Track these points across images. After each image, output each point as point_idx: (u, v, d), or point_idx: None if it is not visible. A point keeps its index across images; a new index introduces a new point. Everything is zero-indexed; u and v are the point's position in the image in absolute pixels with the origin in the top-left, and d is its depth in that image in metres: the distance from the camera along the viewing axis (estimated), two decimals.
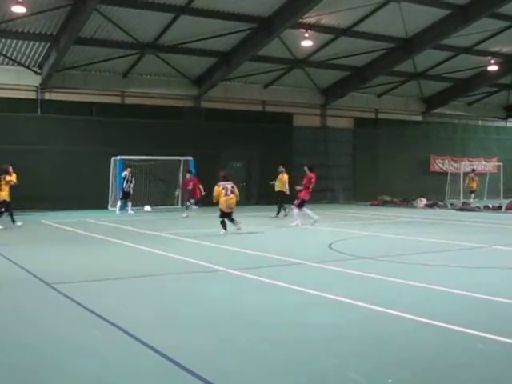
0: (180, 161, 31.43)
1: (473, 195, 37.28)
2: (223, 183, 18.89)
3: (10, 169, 20.94)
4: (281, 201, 25.72)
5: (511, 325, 7.47)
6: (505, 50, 34.64)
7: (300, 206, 21.34)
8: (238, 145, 33.30)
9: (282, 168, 26.59)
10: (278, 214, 25.32)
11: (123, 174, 28.20)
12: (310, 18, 27.85)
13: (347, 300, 8.72)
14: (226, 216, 18.79)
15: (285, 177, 26.20)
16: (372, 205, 34.23)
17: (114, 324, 7.48)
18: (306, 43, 29.42)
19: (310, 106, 37.58)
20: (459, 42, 32.36)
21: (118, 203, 28.23)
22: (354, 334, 7.17)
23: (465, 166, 40.33)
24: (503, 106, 45.14)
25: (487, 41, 32.81)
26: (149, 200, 30.24)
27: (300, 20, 27.62)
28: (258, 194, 34.63)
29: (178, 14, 26.35)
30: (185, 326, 7.55)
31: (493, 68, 35.39)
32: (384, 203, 34.60)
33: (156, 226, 21.06)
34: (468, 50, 33.91)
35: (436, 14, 28.97)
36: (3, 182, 20.50)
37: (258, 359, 6.20)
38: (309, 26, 28.68)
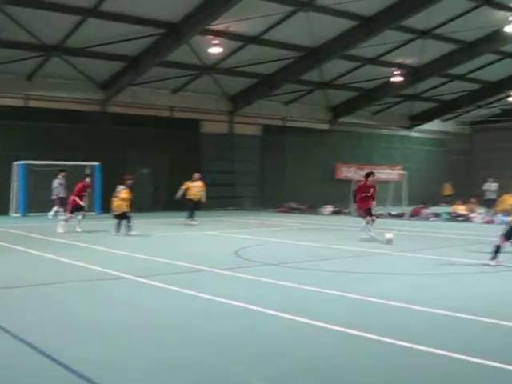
0: (85, 166, 30.88)
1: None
2: (120, 187, 19.27)
3: None
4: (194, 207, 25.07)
5: (408, 329, 7.62)
6: (408, 61, 35.58)
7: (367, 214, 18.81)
8: (145, 150, 32.99)
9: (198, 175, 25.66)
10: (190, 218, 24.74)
11: (59, 181, 27.60)
12: (219, 24, 27.87)
13: (251, 306, 8.73)
14: (118, 218, 19.68)
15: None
16: (279, 212, 34.49)
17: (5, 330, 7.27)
18: (215, 50, 29.43)
19: (218, 113, 37.59)
20: (365, 53, 33.04)
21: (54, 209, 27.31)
22: (256, 340, 7.17)
23: None
24: (407, 116, 46.33)
25: (392, 52, 33.68)
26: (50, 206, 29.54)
27: (209, 27, 27.63)
28: (166, 200, 34.37)
29: (85, 16, 25.89)
30: (86, 333, 7.39)
31: (397, 79, 36.27)
32: (291, 210, 34.94)
33: (61, 233, 20.56)
34: (373, 61, 34.68)
35: (343, 24, 29.52)
36: None
37: (159, 364, 6.12)
38: (218, 33, 28.71)
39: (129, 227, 19.57)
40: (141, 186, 34.13)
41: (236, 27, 28.72)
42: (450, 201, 34.67)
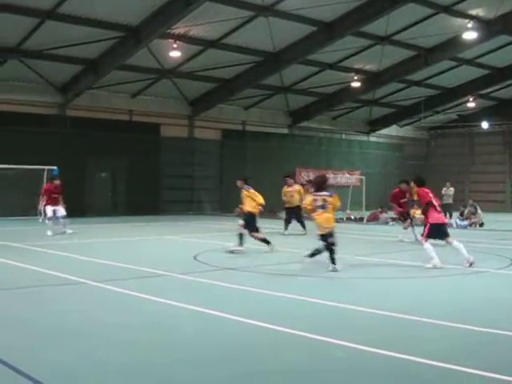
0: (43, 170, 30.58)
1: None
2: None
3: None
4: (290, 217, 23.71)
5: (366, 333, 7.70)
6: (367, 67, 35.90)
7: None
8: (104, 154, 32.83)
9: (290, 180, 24.81)
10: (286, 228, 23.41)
11: None
12: (179, 28, 27.85)
13: (207, 310, 8.75)
14: None
15: (300, 189, 24.06)
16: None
17: None
18: (175, 54, 29.39)
19: (178, 117, 37.52)
20: (324, 58, 33.26)
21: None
22: (211, 343, 7.20)
23: (329, 178, 41.28)
24: (366, 121, 46.72)
25: (351, 58, 33.93)
26: (8, 209, 29.19)
27: (169, 30, 27.59)
28: (125, 203, 34.23)
29: (43, 18, 25.64)
30: (42, 339, 7.34)
31: (356, 84, 36.55)
32: None
33: (15, 237, 20.34)
34: (333, 66, 34.92)
35: (303, 30, 29.67)
36: None
37: (112, 366, 6.12)
38: (177, 37, 28.66)
39: None
40: (100, 190, 34.06)
41: (196, 31, 28.71)
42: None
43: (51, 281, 11.58)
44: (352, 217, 31.83)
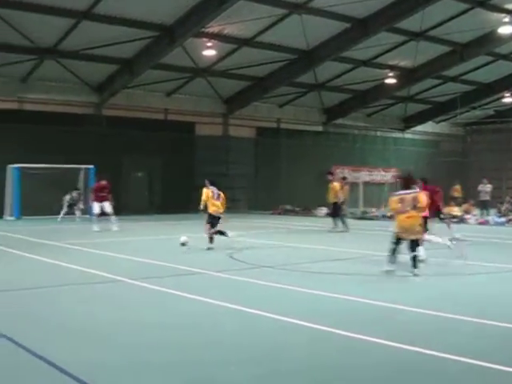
0: (80, 169, 30.92)
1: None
2: None
3: None
4: (335, 213, 23.58)
5: (406, 332, 7.66)
6: (402, 63, 35.63)
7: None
8: (140, 153, 33.01)
9: (330, 176, 24.78)
10: (335, 225, 23.25)
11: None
12: (213, 27, 27.90)
13: (244, 308, 8.76)
14: None
15: (336, 186, 23.95)
16: (273, 214, 34.52)
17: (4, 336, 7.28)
18: (209, 52, 29.48)
19: (213, 115, 37.62)
20: (358, 55, 33.10)
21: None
22: (250, 341, 7.21)
23: (364, 175, 41.20)
24: (401, 118, 46.39)
25: (385, 54, 33.70)
26: (47, 208, 29.52)
27: (203, 29, 27.65)
28: (160, 202, 34.43)
29: (79, 19, 25.89)
30: (83, 338, 7.41)
31: (391, 81, 36.31)
32: (285, 212, 34.98)
33: (55, 236, 20.58)
34: (367, 63, 34.73)
35: (336, 26, 29.56)
36: None
37: (151, 362, 6.15)
38: (212, 36, 28.74)
39: None
40: (136, 189, 34.26)
41: (230, 29, 28.75)
42: (460, 202, 34.34)
43: (88, 279, 11.68)
44: (388, 214, 31.54)
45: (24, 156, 28.94)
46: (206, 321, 8.25)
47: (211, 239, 16.87)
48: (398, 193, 12.30)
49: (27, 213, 28.93)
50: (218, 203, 17.30)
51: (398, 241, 11.95)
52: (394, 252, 11.89)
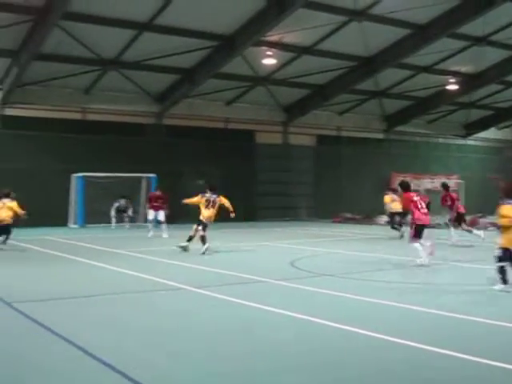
0: (142, 178, 31.33)
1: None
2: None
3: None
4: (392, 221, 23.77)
5: (477, 343, 7.52)
6: (464, 69, 35.14)
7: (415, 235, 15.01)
8: (200, 162, 33.24)
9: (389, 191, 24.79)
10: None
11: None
12: (273, 36, 27.98)
13: (308, 317, 8.72)
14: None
15: (387, 198, 24.05)
16: (334, 222, 34.38)
17: (72, 343, 7.38)
18: (269, 61, 29.57)
19: (272, 124, 37.70)
20: (419, 61, 32.78)
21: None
22: (312, 349, 7.17)
23: (426, 183, 40.71)
24: (463, 124, 45.73)
25: (447, 60, 33.29)
26: (108, 217, 29.99)
27: (262, 38, 27.76)
28: (221, 210, 34.53)
29: (140, 30, 26.29)
30: (146, 344, 7.48)
31: (452, 87, 35.87)
32: (346, 220, 34.80)
33: (117, 244, 20.87)
34: (428, 69, 34.37)
35: (397, 33, 29.35)
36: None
37: (211, 372, 6.17)
38: (271, 44, 28.83)
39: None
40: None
41: (289, 38, 28.78)
42: None
43: (150, 286, 11.80)
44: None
45: (87, 165, 29.52)
46: (268, 328, 8.24)
47: (203, 240, 17.65)
48: (508, 201, 11.03)
49: (90, 221, 29.49)
50: (210, 212, 18.04)
51: (507, 255, 10.77)
52: (504, 272, 10.87)
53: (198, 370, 6.37)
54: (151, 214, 24.67)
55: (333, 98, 35.78)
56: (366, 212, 35.52)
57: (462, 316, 8.83)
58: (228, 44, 27.86)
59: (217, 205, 18.17)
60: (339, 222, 34.53)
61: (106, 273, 13.93)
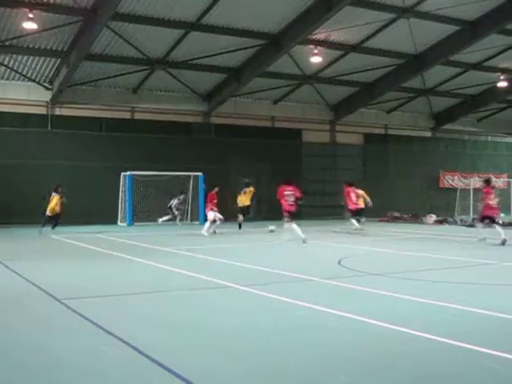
0: (190, 176, 31.56)
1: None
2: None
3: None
4: None
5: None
6: None
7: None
8: (247, 160, 33.36)
9: None
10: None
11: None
12: (319, 34, 27.96)
13: (358, 317, 8.67)
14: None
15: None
16: (381, 221, 34.17)
17: (123, 340, 7.45)
18: (315, 59, 29.52)
19: (320, 122, 37.66)
20: (468, 58, 32.42)
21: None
22: (363, 352, 7.13)
23: (475, 182, 40.24)
24: None
25: (496, 57, 32.88)
26: (156, 215, 30.35)
27: (309, 36, 27.74)
28: (268, 208, 34.59)
29: (188, 30, 26.51)
30: (195, 342, 7.52)
31: (502, 84, 35.40)
32: (393, 219, 34.58)
33: (165, 241, 21.03)
34: (477, 66, 33.96)
35: (445, 30, 29.07)
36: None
37: (260, 368, 6.19)
38: (318, 43, 28.80)
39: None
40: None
41: (336, 36, 28.72)
42: None
43: (199, 284, 11.84)
44: (500, 221, 30.64)
45: (136, 163, 29.90)
46: (316, 327, 8.22)
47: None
48: None
49: (138, 219, 29.81)
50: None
51: None
52: None
53: (249, 369, 6.38)
54: (211, 214, 24.46)
55: (380, 96, 35.61)
56: (414, 211, 35.25)
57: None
58: (274, 43, 27.92)
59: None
60: (386, 220, 34.30)
61: (157, 271, 14.02)
